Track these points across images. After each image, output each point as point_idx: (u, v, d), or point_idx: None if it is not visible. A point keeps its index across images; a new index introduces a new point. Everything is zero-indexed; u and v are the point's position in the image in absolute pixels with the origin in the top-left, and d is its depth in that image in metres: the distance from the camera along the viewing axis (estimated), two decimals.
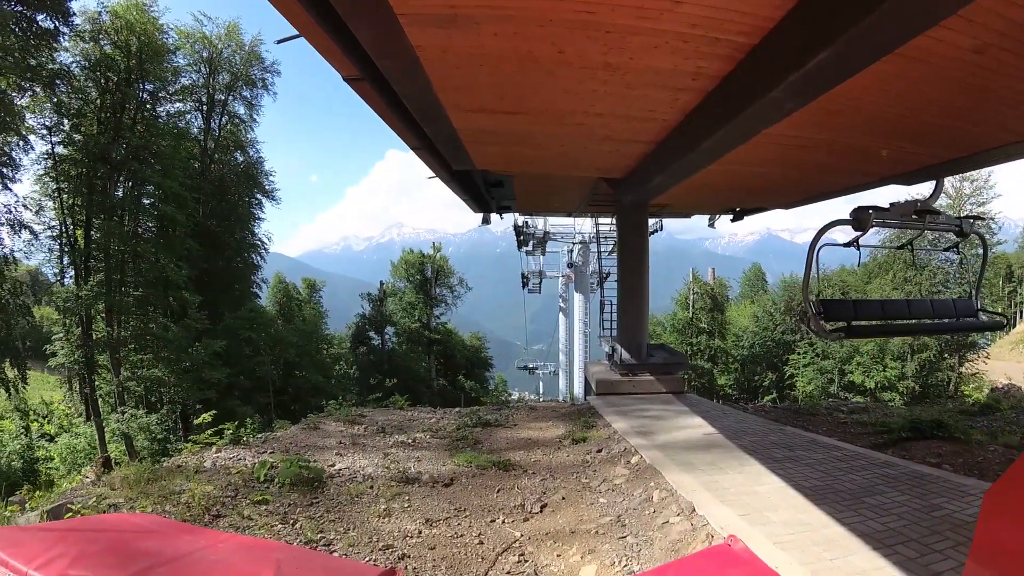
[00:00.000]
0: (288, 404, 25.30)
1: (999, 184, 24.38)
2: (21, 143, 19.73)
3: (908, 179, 8.06)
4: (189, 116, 26.35)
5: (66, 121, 20.50)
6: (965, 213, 20.69)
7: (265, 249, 30.14)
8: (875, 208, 5.52)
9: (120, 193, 22.07)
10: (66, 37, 19.60)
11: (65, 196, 20.98)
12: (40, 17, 18.70)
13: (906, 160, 6.68)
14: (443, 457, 6.93)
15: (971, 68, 3.97)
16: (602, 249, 19.63)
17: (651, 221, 13.96)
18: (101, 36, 20.54)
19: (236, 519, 4.91)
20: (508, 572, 4.11)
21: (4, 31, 17.34)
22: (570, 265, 27.85)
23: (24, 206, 20.06)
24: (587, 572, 3.99)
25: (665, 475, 5.32)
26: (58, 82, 19.70)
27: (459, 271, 36.26)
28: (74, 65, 20.32)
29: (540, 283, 29.01)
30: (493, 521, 5.00)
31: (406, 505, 5.35)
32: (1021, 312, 41.30)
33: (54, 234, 21.22)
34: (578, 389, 25.28)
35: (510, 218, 22.62)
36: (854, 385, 25.40)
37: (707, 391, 27.74)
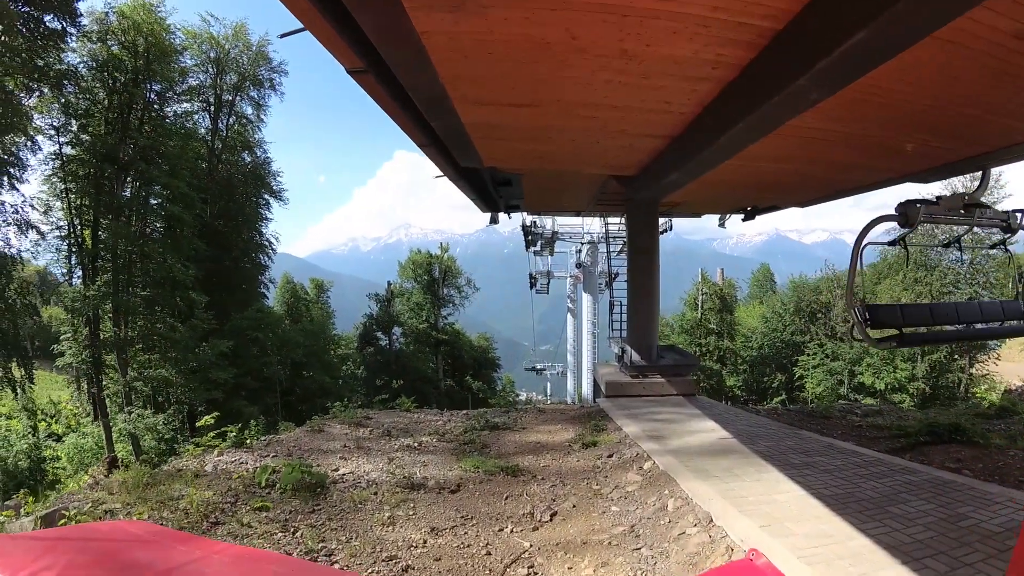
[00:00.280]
0: (295, 405, 25.26)
1: (1010, 183, 23.83)
2: (29, 143, 19.80)
3: (927, 176, 7.78)
4: (196, 116, 26.42)
5: (74, 121, 20.58)
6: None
7: (273, 249, 30.17)
8: (923, 202, 5.16)
9: (128, 193, 22.13)
10: (73, 38, 19.66)
11: (73, 196, 21.06)
12: (47, 18, 18.75)
13: (930, 155, 6.40)
14: (450, 462, 6.76)
15: (1008, 55, 3.73)
16: (611, 249, 19.41)
17: (660, 221, 13.73)
18: (108, 36, 20.58)
19: (235, 527, 4.75)
20: None
21: (12, 32, 17.40)
22: (578, 265, 27.60)
23: (31, 206, 20.13)
24: None
25: (680, 482, 5.12)
26: (65, 82, 19.77)
27: (467, 271, 36.20)
28: (81, 66, 20.39)
29: (548, 283, 28.78)
30: (501, 530, 4.81)
31: (411, 513, 5.17)
32: None
33: (62, 234, 21.32)
34: (586, 390, 25.06)
35: (518, 218, 22.46)
36: (864, 387, 25.03)
37: (716, 392, 27.46)
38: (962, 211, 5.36)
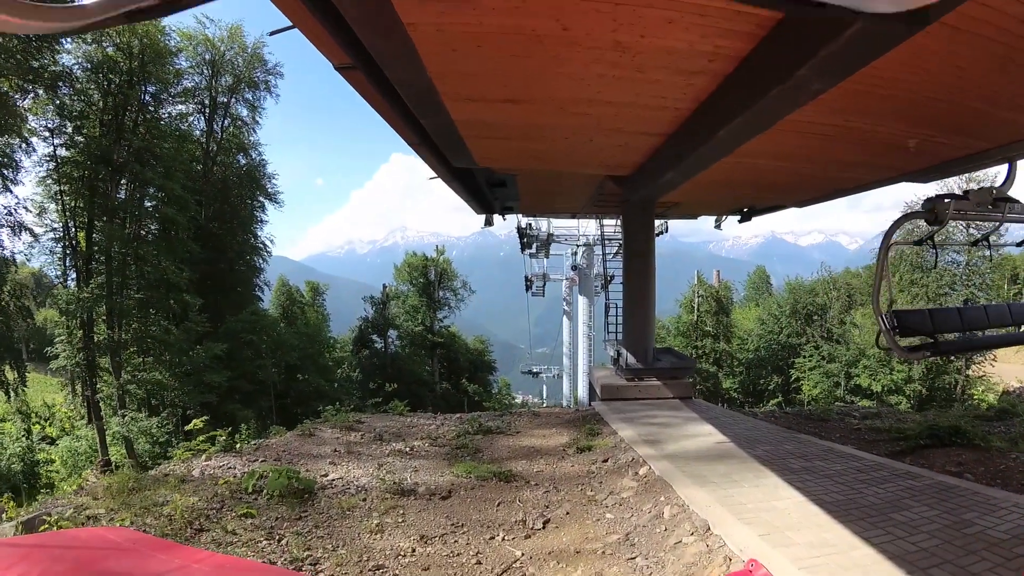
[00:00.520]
0: (290, 408, 25.07)
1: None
2: (23, 145, 19.66)
3: (927, 175, 7.69)
4: (191, 119, 26.27)
5: (68, 123, 20.42)
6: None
7: (268, 252, 29.99)
8: (953, 197, 4.83)
9: (122, 195, 21.97)
10: (68, 39, 19.50)
11: (67, 198, 20.90)
12: None
13: (933, 151, 6.29)
14: (441, 467, 6.62)
15: (1016, 41, 3.59)
16: (607, 251, 19.34)
17: (657, 223, 13.64)
18: (103, 38, 20.43)
19: (219, 534, 4.62)
20: None
21: (5, 33, 17.25)
22: (574, 268, 27.51)
23: (25, 208, 19.98)
24: None
25: (676, 488, 5.00)
26: (60, 84, 19.63)
27: (463, 274, 36.04)
28: (76, 67, 20.24)
29: (544, 286, 28.71)
30: (492, 538, 4.68)
31: (400, 520, 5.03)
32: None
33: (57, 236, 21.14)
34: (582, 393, 24.94)
35: (514, 221, 22.39)
36: (860, 388, 25.01)
37: (712, 395, 27.39)
38: (991, 206, 4.99)
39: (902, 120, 5.25)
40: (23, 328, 21.33)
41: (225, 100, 27.25)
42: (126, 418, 20.10)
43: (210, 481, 5.89)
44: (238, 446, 7.63)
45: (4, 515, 5.83)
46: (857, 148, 6.32)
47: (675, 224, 20.36)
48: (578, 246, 26.63)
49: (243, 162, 28.80)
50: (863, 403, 22.33)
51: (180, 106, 25.18)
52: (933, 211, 4.81)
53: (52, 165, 20.46)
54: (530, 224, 23.78)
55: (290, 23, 4.29)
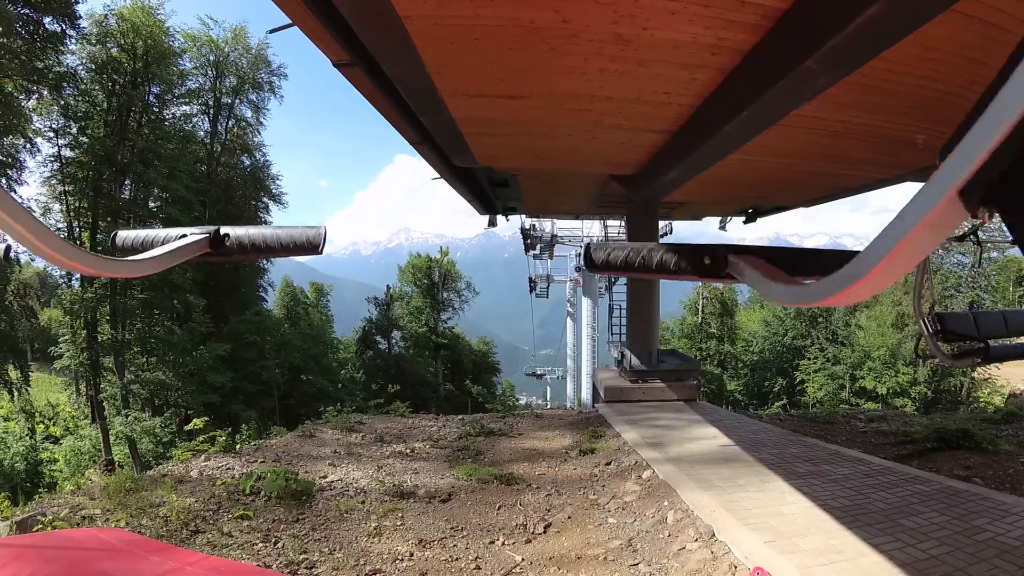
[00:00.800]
0: (294, 409, 25.05)
1: None
2: (28, 145, 19.74)
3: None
4: (195, 119, 26.36)
5: (73, 124, 20.51)
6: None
7: None
8: None
9: (126, 196, 22.05)
10: (72, 40, 19.62)
11: (71, 199, 20.97)
12: (47, 20, 18.70)
13: (942, 148, 6.14)
14: (442, 469, 6.53)
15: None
16: None
17: (661, 224, 13.54)
18: (107, 39, 20.52)
19: (215, 536, 4.54)
20: None
21: (11, 34, 17.33)
22: (578, 269, 27.39)
23: (29, 208, 20.02)
24: None
25: (680, 493, 4.89)
26: (64, 85, 19.71)
27: (467, 276, 35.99)
28: (80, 68, 20.33)
29: (548, 287, 28.58)
30: (492, 543, 4.58)
31: (399, 523, 4.94)
32: None
33: (61, 237, 21.17)
34: (586, 395, 24.82)
35: (518, 223, 22.31)
36: (865, 391, 24.82)
37: (717, 397, 27.23)
38: None
39: (910, 116, 5.12)
40: (27, 328, 21.40)
41: (229, 101, 27.31)
42: (129, 418, 20.15)
43: (208, 482, 5.82)
44: (238, 447, 7.57)
45: None
46: (865, 145, 6.19)
47: (679, 227, 20.25)
48: (582, 247, 26.49)
49: (247, 163, 28.89)
50: (868, 406, 22.15)
51: (184, 107, 25.31)
52: None
53: (57, 165, 20.56)
54: (534, 225, 23.69)
55: (289, 21, 4.23)
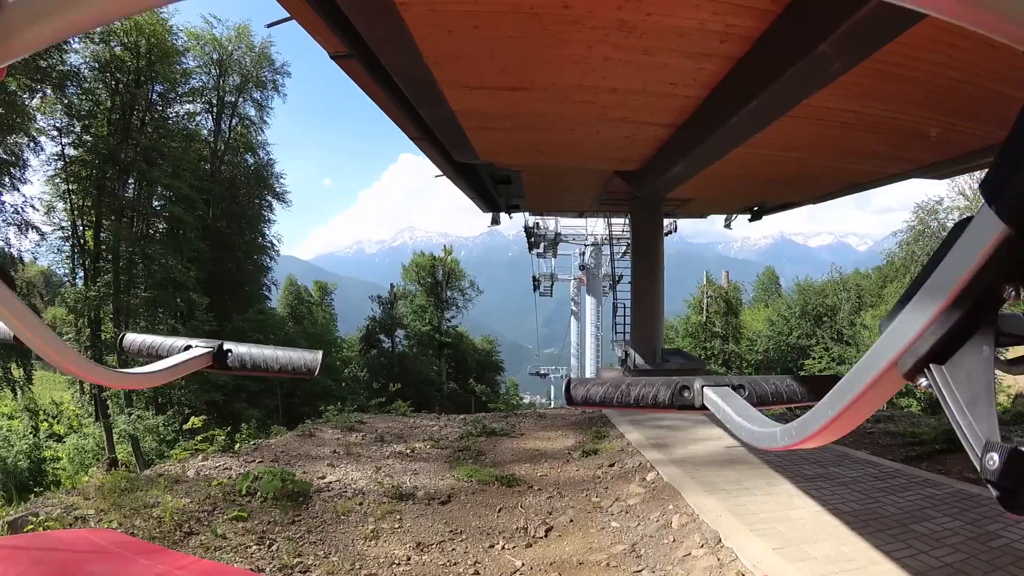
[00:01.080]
0: (297, 407, 25.00)
1: None
2: (31, 144, 19.79)
3: (947, 168, 7.38)
4: (199, 118, 26.35)
5: (76, 122, 20.53)
6: None
7: (275, 251, 30.02)
8: None
9: (130, 194, 22.05)
10: (75, 38, 19.58)
11: (75, 197, 20.99)
12: None
13: (954, 141, 5.96)
14: (442, 470, 6.43)
15: None
16: (615, 251, 19.07)
17: (665, 222, 13.38)
18: (111, 37, 20.51)
19: (209, 538, 4.45)
20: None
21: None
22: (582, 267, 27.23)
23: (32, 207, 20.10)
24: None
25: (685, 496, 4.77)
26: (68, 83, 19.72)
27: (471, 274, 35.90)
28: (84, 67, 20.34)
29: (552, 286, 28.45)
30: (492, 547, 4.47)
31: (396, 526, 4.84)
32: None
33: (65, 235, 21.25)
34: None
35: (522, 221, 22.19)
36: None
37: None
38: None
39: (924, 106, 4.92)
40: None
41: (233, 99, 27.29)
42: (132, 416, 20.16)
43: (204, 482, 5.73)
44: (236, 446, 7.48)
45: None
46: (876, 137, 6.01)
47: (684, 225, 20.10)
48: (586, 245, 26.33)
49: (251, 161, 28.84)
50: None
51: (188, 105, 25.28)
52: None
53: (60, 164, 20.58)
54: (537, 223, 23.57)
55: (288, 15, 4.13)
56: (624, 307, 12.81)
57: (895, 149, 6.46)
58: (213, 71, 26.25)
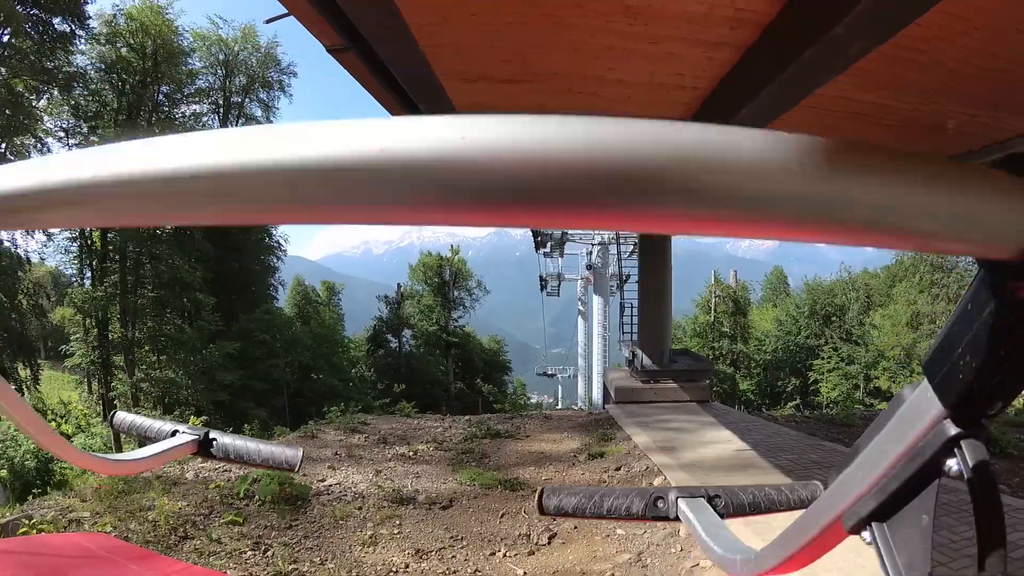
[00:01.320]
0: (304, 407, 25.00)
1: None
2: (39, 145, 19.87)
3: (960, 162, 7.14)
4: (206, 118, 26.40)
5: (83, 123, 20.63)
6: None
7: (282, 251, 30.06)
8: None
9: None
10: (82, 40, 19.71)
11: None
12: (56, 20, 18.78)
13: (972, 133, 5.74)
14: (444, 473, 6.30)
15: None
16: (622, 250, 18.89)
17: None
18: (117, 39, 20.60)
19: (203, 542, 4.36)
20: None
21: (20, 34, 17.41)
22: (589, 267, 27.02)
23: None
24: None
25: None
26: (74, 85, 19.81)
27: (479, 275, 35.86)
28: (90, 68, 20.43)
29: (559, 286, 28.27)
30: (493, 554, 4.33)
31: (396, 531, 4.71)
32: None
33: (72, 235, 21.35)
34: (597, 394, 24.48)
35: None
36: (880, 391, 24.24)
37: (729, 396, 26.73)
38: None
39: (943, 96, 4.66)
40: (37, 327, 21.58)
41: (239, 100, 27.37)
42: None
43: (202, 485, 5.64)
44: None
45: None
46: (892, 131, 5.79)
47: None
48: (593, 245, 26.14)
49: None
50: (883, 406, 21.51)
51: (194, 106, 25.43)
52: None
53: None
54: None
55: (285, 11, 4.02)
56: (631, 307, 12.63)
57: (909, 144, 6.24)
58: (219, 72, 26.36)
